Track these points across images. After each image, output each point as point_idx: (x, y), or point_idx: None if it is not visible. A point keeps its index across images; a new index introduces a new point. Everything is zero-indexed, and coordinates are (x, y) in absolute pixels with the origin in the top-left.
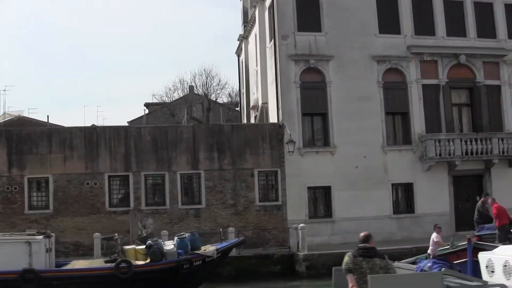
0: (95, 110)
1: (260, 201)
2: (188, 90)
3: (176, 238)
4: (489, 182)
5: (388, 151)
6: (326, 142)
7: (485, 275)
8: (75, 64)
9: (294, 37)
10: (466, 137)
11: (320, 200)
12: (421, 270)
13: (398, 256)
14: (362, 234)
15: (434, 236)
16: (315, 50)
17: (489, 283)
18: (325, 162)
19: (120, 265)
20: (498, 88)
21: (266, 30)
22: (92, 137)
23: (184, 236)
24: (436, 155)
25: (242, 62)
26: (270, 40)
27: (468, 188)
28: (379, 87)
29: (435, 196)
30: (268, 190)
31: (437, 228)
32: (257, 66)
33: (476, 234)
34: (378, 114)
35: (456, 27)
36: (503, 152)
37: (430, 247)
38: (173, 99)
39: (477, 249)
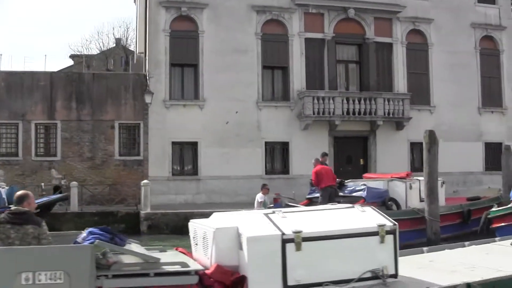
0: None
1: (120, 155)
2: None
3: None
4: (373, 145)
5: (263, 107)
6: (195, 96)
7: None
8: None
9: None
10: (348, 95)
11: (186, 157)
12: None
13: None
14: (17, 193)
15: (258, 196)
16: None
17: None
18: (192, 117)
19: None
20: (389, 46)
21: None
22: None
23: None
24: (314, 113)
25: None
26: None
27: (351, 150)
28: (257, 39)
29: (312, 157)
30: (129, 144)
31: (264, 189)
32: (137, 13)
33: (307, 197)
34: (254, 68)
35: None
36: (389, 114)
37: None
38: (91, 51)
39: None
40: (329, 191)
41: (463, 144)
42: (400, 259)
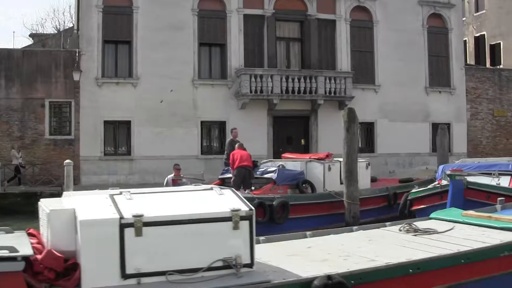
0: None
1: (50, 134)
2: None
3: None
4: (314, 125)
5: (199, 86)
6: (129, 73)
7: (41, 230)
8: None
9: None
10: (288, 73)
11: (119, 136)
12: None
13: None
14: None
15: (168, 177)
16: None
17: None
18: (126, 95)
19: None
20: (333, 23)
21: None
22: None
23: None
24: (251, 92)
25: None
26: None
27: (292, 130)
28: (193, 15)
29: (251, 137)
30: (60, 123)
31: (175, 170)
32: None
33: (219, 177)
34: (190, 45)
35: None
36: (330, 93)
37: None
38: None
39: None
40: (242, 172)
41: (409, 124)
42: (278, 244)
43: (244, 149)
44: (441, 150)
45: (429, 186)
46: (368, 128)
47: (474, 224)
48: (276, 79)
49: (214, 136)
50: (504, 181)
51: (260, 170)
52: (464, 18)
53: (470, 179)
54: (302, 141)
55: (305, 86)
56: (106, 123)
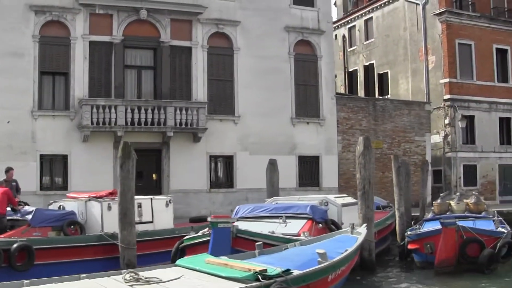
0: None
1: None
2: None
3: None
4: (166, 158)
5: (38, 117)
6: None
7: None
8: None
9: None
10: (133, 104)
11: None
12: None
13: None
14: None
15: None
16: None
17: None
18: None
19: None
20: (188, 50)
21: None
22: None
23: None
24: (93, 123)
25: None
26: None
27: (142, 164)
28: (34, 41)
29: (96, 171)
30: None
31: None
32: None
33: None
34: (30, 73)
35: None
36: (181, 124)
37: None
38: None
39: None
40: None
41: (273, 157)
42: None
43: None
44: (270, 185)
45: (199, 233)
46: (227, 162)
47: (207, 273)
48: (121, 110)
49: (56, 170)
50: (294, 226)
51: (22, 211)
52: (355, 47)
53: (246, 225)
54: (154, 176)
55: (153, 117)
56: None
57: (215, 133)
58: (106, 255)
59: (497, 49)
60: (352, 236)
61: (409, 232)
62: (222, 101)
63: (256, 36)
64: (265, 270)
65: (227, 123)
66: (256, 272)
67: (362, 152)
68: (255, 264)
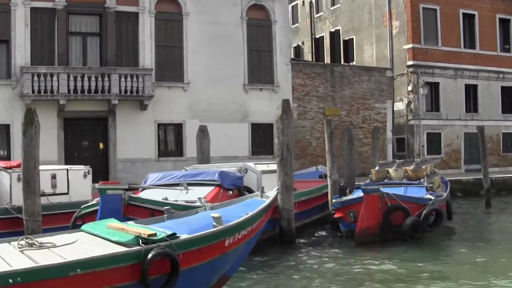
0: None
1: None
2: None
3: None
4: (113, 127)
5: None
6: None
7: None
8: None
9: None
10: (76, 71)
11: None
12: None
13: None
14: None
15: None
16: None
17: None
18: None
19: None
20: (135, 15)
21: None
22: None
23: None
24: (34, 92)
25: None
26: None
27: (88, 133)
28: None
29: (40, 141)
30: None
31: None
32: None
33: None
34: None
35: None
36: (126, 92)
37: None
38: None
39: None
40: None
41: (225, 125)
42: None
43: None
44: (200, 153)
45: (94, 201)
46: (176, 130)
47: (102, 237)
48: (63, 78)
49: None
50: (198, 193)
51: None
52: (321, 13)
53: (149, 193)
54: (101, 145)
55: (97, 85)
56: None
57: (164, 101)
58: (12, 229)
59: (464, 13)
60: (261, 200)
61: (334, 200)
62: (171, 68)
63: (206, 1)
64: (154, 235)
65: (176, 90)
66: (139, 236)
67: (281, 116)
68: (150, 228)
